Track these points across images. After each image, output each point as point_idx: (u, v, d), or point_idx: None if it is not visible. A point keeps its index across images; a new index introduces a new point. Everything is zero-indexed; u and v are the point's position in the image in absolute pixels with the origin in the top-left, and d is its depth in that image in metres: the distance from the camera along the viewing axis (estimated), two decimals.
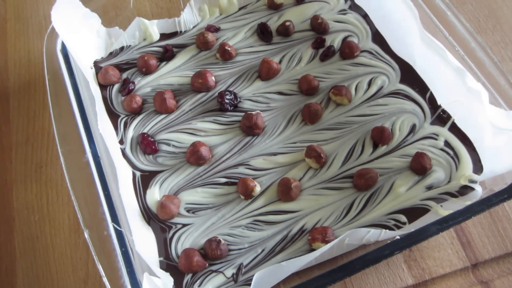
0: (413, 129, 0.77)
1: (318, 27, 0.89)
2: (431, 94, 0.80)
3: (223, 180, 0.74)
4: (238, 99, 0.82)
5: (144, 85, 0.85)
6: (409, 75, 0.83)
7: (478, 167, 0.73)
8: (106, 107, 0.82)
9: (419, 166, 0.72)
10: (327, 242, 0.64)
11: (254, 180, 0.73)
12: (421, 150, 0.74)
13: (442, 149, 0.75)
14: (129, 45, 0.90)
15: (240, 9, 0.94)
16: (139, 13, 0.92)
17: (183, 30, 0.92)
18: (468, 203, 0.64)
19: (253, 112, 0.78)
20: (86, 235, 0.62)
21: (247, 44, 0.89)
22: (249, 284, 0.58)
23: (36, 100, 0.91)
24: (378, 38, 0.88)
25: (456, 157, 0.74)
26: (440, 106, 0.79)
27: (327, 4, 0.93)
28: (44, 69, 0.77)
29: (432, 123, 0.78)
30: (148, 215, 0.72)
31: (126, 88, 0.83)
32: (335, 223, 0.69)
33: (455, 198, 0.69)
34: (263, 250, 0.68)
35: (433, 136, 0.76)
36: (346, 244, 0.64)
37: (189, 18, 0.92)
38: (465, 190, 0.70)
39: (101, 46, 0.89)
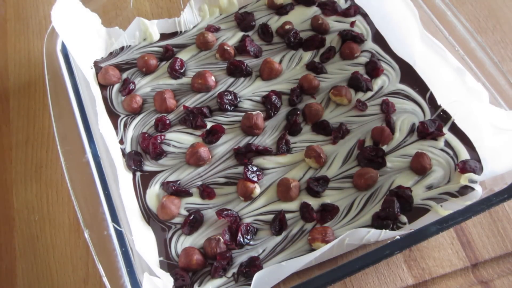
0: (412, 128, 0.77)
1: (319, 27, 0.89)
2: (431, 94, 0.80)
3: (223, 180, 0.74)
4: (238, 99, 0.82)
5: (144, 85, 0.85)
6: (409, 75, 0.83)
7: (478, 167, 0.72)
8: (106, 107, 0.82)
9: (419, 166, 0.72)
10: (327, 242, 0.64)
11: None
12: (421, 150, 0.74)
13: (442, 149, 0.75)
14: (129, 45, 0.90)
15: (240, 9, 0.94)
16: (139, 13, 0.92)
17: (183, 30, 0.92)
18: (468, 203, 0.64)
19: (253, 113, 0.78)
20: (86, 235, 0.62)
21: None
22: (249, 284, 0.58)
23: (36, 100, 0.91)
24: (378, 38, 0.88)
25: (456, 157, 0.74)
26: (440, 106, 0.79)
27: None
28: (44, 69, 0.78)
29: None
30: (148, 215, 0.72)
31: (126, 88, 0.83)
32: (335, 223, 0.69)
33: (455, 198, 0.69)
34: (263, 250, 0.68)
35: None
36: (346, 244, 0.64)
37: (189, 18, 0.92)
38: (465, 190, 0.70)
39: (101, 46, 0.89)
